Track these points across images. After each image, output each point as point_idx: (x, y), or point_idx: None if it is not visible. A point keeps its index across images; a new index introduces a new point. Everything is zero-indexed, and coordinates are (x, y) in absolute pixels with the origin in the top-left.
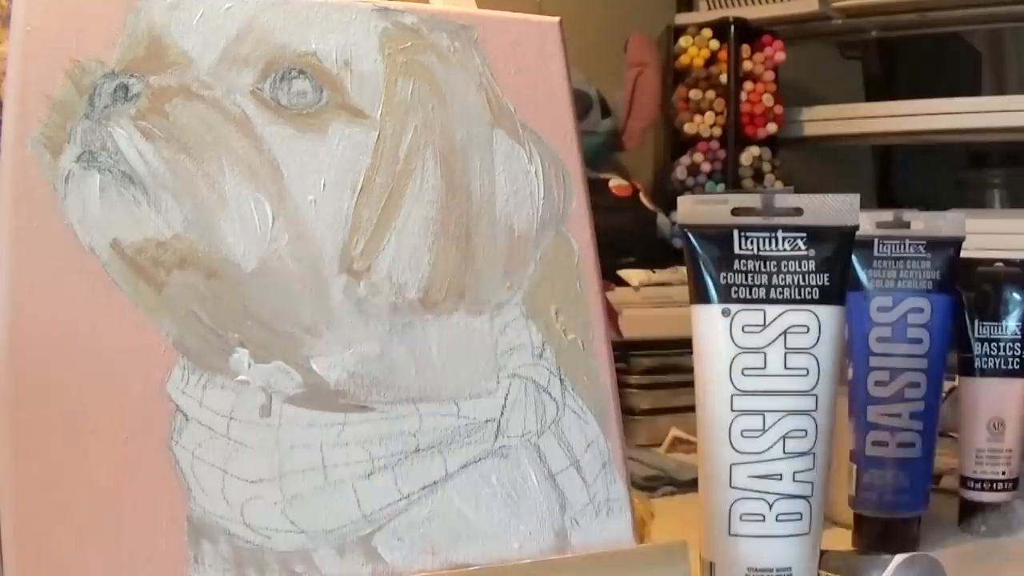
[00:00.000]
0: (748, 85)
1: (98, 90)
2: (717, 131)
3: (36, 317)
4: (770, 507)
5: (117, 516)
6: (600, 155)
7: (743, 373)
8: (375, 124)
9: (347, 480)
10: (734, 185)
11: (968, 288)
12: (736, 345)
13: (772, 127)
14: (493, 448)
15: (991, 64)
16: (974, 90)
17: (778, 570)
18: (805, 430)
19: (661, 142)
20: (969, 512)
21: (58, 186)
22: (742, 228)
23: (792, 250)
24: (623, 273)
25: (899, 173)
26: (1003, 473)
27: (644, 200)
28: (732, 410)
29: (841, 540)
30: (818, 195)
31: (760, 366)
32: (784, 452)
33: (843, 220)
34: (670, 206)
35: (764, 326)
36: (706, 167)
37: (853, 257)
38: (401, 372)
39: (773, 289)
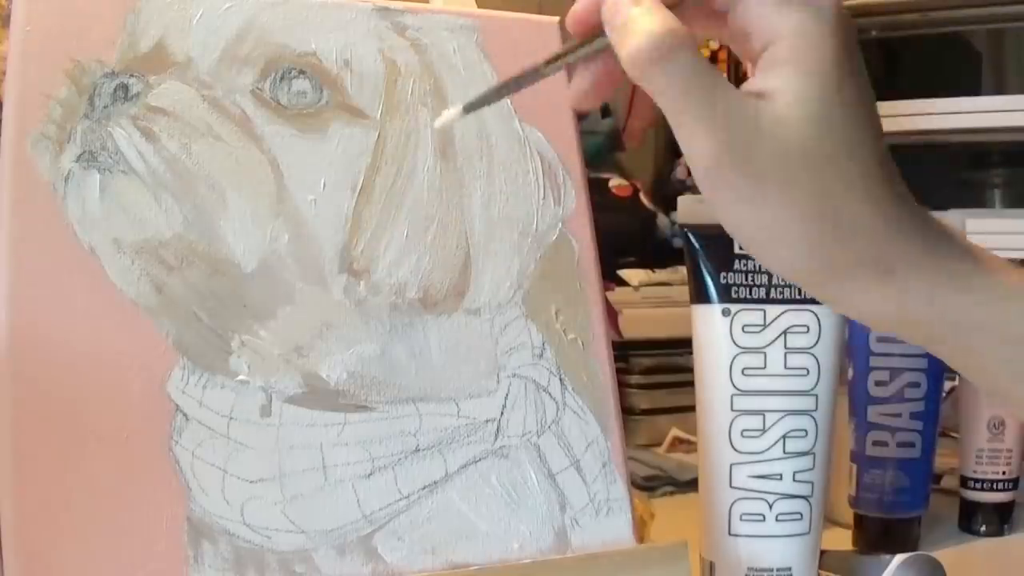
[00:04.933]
0: None
1: (98, 90)
2: None
3: (36, 317)
4: (770, 507)
5: (117, 516)
6: (600, 155)
7: (743, 373)
8: (375, 124)
9: (347, 480)
10: None
11: None
12: (736, 345)
13: None
14: (493, 448)
15: (991, 64)
16: (974, 90)
17: (778, 570)
18: (805, 430)
19: (661, 142)
20: (969, 512)
21: (58, 186)
22: None
23: None
24: (623, 273)
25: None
26: (1003, 473)
27: (644, 200)
28: (732, 410)
29: (841, 540)
30: None
31: (760, 366)
32: (784, 452)
33: None
34: (670, 206)
35: (764, 326)
36: None
37: None
38: (401, 372)
39: (773, 289)
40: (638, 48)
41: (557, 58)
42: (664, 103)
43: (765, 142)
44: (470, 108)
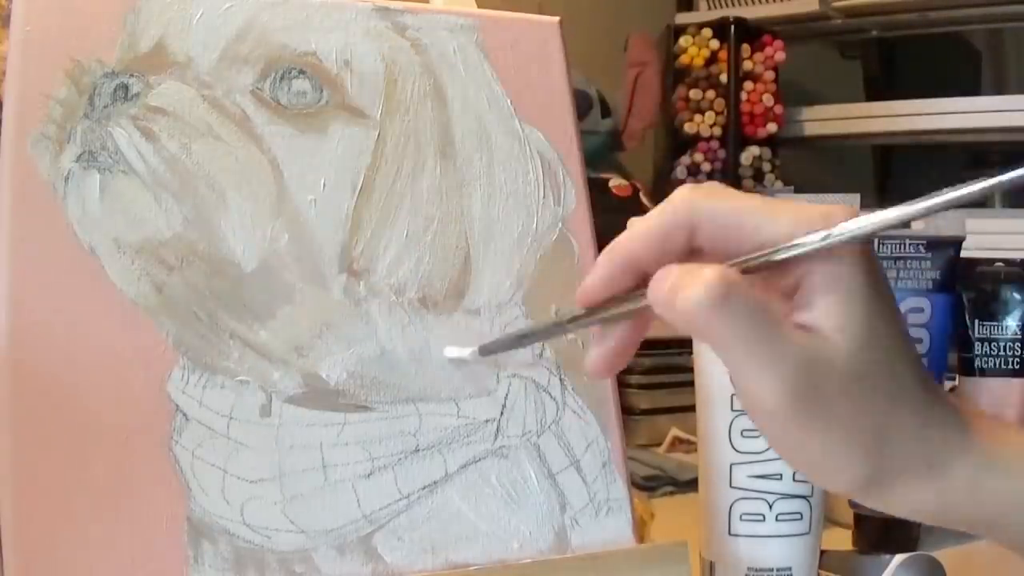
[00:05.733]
0: (748, 85)
1: (98, 90)
2: (717, 131)
3: (36, 317)
4: (770, 507)
5: (117, 516)
6: (600, 155)
7: None
8: (375, 124)
9: (347, 480)
10: (734, 185)
11: (968, 288)
12: None
13: (772, 127)
14: (493, 448)
15: (991, 64)
16: (974, 90)
17: (778, 570)
18: None
19: (661, 142)
20: None
21: (58, 186)
22: None
23: None
24: None
25: (899, 173)
26: None
27: (644, 200)
28: (732, 410)
29: (841, 540)
30: (818, 195)
31: None
32: None
33: None
34: None
35: None
36: (706, 167)
37: None
38: (401, 372)
39: None
40: (696, 298)
41: (587, 315)
42: (725, 350)
43: (828, 378)
44: (486, 352)
